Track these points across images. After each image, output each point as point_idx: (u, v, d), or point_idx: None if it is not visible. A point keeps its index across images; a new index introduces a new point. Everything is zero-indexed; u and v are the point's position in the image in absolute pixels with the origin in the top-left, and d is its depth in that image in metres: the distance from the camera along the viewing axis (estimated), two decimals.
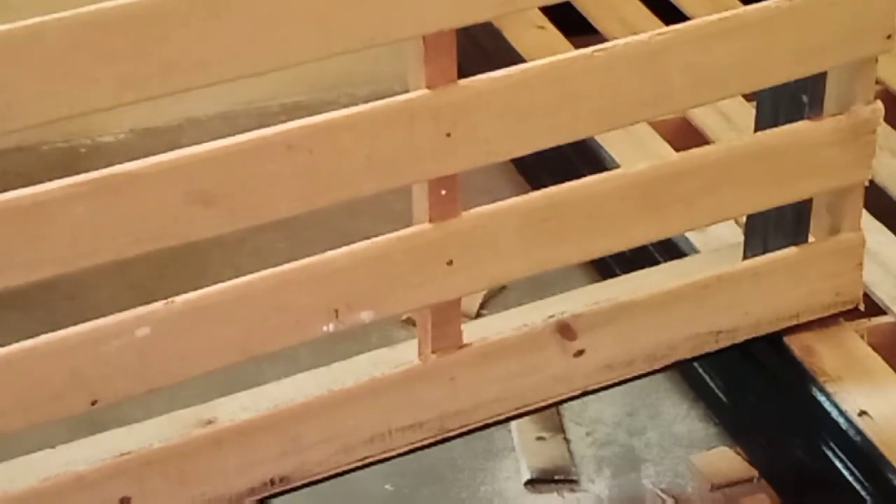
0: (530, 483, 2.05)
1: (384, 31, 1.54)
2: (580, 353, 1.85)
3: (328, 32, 1.51)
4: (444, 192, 1.66)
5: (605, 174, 1.77)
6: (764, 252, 1.94)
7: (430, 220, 1.67)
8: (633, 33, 1.71)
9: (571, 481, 2.05)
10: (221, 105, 1.63)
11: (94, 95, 1.42)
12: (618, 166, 2.22)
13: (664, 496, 2.02)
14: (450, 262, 1.70)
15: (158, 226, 1.52)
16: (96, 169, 1.48)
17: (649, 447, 2.09)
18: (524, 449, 2.09)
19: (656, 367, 1.92)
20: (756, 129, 1.88)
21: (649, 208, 1.79)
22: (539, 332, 1.82)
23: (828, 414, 1.85)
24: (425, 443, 1.81)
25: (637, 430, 2.13)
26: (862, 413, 1.83)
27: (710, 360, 1.99)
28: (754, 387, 2.02)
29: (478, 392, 1.81)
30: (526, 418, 2.10)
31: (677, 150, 2.12)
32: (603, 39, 2.46)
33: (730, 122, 2.35)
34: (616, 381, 1.91)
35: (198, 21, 1.44)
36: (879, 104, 1.86)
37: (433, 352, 1.76)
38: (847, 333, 1.96)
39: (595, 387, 1.89)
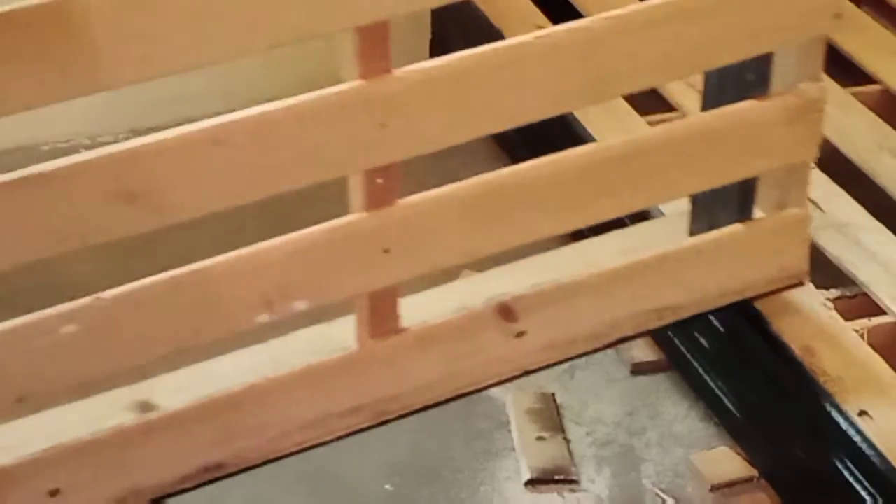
0: (530, 483, 2.03)
1: (315, 24, 1.48)
2: (521, 334, 1.82)
3: (256, 26, 1.46)
4: (380, 181, 1.62)
5: (545, 158, 1.73)
6: (709, 229, 1.91)
7: (367, 209, 1.64)
8: None
9: (571, 481, 2.03)
10: (221, 105, 1.59)
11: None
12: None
13: (664, 496, 2.00)
14: (386, 250, 1.66)
15: (80, 224, 1.47)
16: None
17: (649, 447, 2.07)
18: (524, 449, 2.07)
19: (598, 346, 1.90)
20: (703, 108, 1.84)
21: (594, 191, 1.75)
22: (479, 315, 1.79)
23: (828, 414, 1.83)
24: (363, 426, 1.79)
25: (637, 430, 2.11)
26: (862, 413, 1.80)
27: (711, 360, 1.98)
28: (754, 387, 1.99)
29: (417, 376, 1.78)
30: (526, 418, 2.10)
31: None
32: None
33: None
34: (559, 360, 1.88)
35: (124, 17, 1.39)
36: (825, 84, 1.82)
37: (371, 337, 1.73)
38: (847, 333, 1.93)
39: (538, 366, 1.87)
